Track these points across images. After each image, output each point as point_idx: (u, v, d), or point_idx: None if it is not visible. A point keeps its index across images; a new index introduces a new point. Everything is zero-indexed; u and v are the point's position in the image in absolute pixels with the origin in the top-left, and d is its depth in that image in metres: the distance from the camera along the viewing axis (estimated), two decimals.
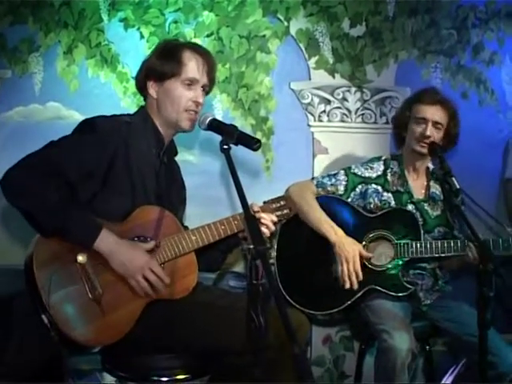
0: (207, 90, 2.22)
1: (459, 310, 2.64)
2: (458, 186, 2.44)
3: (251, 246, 1.55)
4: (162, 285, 1.99)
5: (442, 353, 3.11)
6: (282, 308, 1.41)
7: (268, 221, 2.18)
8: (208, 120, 1.98)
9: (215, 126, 1.98)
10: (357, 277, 2.55)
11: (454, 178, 2.45)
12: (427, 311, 2.72)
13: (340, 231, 2.60)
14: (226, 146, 1.82)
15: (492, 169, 3.31)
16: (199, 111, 2.14)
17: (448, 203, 2.62)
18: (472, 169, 3.29)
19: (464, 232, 2.66)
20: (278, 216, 2.29)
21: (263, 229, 2.17)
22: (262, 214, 2.19)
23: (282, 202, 2.34)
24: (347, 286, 2.56)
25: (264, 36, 3.10)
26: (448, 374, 2.02)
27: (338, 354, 3.27)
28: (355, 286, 2.56)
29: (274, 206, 2.32)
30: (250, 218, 1.61)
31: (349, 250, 2.55)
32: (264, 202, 2.31)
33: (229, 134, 1.89)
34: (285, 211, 2.35)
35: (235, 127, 1.93)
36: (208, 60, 2.19)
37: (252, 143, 1.93)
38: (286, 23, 3.12)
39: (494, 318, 2.66)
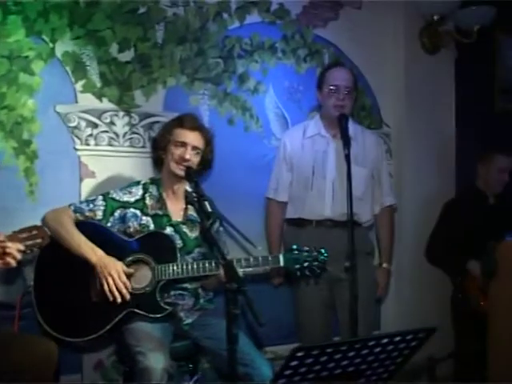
0: None
1: (219, 327, 2.81)
2: (209, 210, 2.62)
3: None
4: None
5: (207, 370, 3.30)
6: None
7: (13, 250, 2.23)
8: None
9: None
10: (126, 287, 2.65)
11: (206, 202, 2.63)
12: (189, 330, 2.89)
13: (100, 251, 2.69)
14: None
15: (257, 191, 3.58)
16: None
17: (201, 225, 2.82)
18: (238, 191, 3.58)
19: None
20: (28, 245, 2.34)
21: (9, 259, 2.20)
22: (8, 244, 2.23)
23: (33, 232, 2.38)
24: (118, 300, 2.64)
25: (27, 57, 3.08)
26: None
27: (112, 378, 3.32)
28: (127, 297, 2.65)
29: (23, 235, 2.35)
30: None
31: (111, 266, 2.64)
32: (13, 232, 2.34)
33: None
34: (37, 240, 2.39)
35: None
36: None
37: None
38: (51, 45, 3.14)
39: (252, 333, 2.93)
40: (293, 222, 3.41)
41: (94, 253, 2.67)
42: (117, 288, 2.63)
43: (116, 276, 2.63)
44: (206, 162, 2.96)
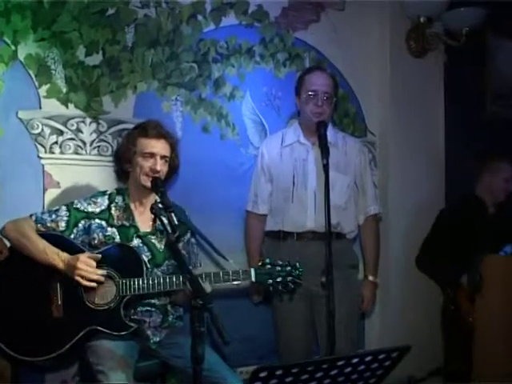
0: None
1: (188, 346, 2.74)
2: (176, 222, 2.56)
3: None
4: None
5: None
6: None
7: None
8: None
9: None
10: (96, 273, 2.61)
11: (173, 214, 2.57)
12: (156, 349, 2.82)
13: (65, 255, 2.63)
14: None
15: (234, 201, 3.54)
16: None
17: (167, 238, 2.75)
18: (214, 202, 3.53)
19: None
20: None
21: None
22: None
23: None
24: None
25: None
26: None
27: None
28: (102, 279, 2.62)
29: None
30: None
31: (76, 262, 2.58)
32: None
33: None
34: None
35: None
36: None
37: None
38: (13, 47, 3.08)
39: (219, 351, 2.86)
40: (273, 235, 3.35)
41: (59, 258, 2.61)
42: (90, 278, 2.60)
43: (84, 267, 2.58)
44: (173, 169, 2.91)
